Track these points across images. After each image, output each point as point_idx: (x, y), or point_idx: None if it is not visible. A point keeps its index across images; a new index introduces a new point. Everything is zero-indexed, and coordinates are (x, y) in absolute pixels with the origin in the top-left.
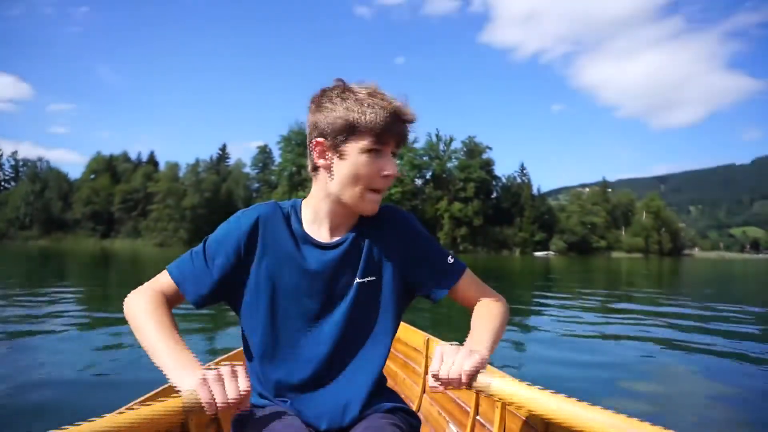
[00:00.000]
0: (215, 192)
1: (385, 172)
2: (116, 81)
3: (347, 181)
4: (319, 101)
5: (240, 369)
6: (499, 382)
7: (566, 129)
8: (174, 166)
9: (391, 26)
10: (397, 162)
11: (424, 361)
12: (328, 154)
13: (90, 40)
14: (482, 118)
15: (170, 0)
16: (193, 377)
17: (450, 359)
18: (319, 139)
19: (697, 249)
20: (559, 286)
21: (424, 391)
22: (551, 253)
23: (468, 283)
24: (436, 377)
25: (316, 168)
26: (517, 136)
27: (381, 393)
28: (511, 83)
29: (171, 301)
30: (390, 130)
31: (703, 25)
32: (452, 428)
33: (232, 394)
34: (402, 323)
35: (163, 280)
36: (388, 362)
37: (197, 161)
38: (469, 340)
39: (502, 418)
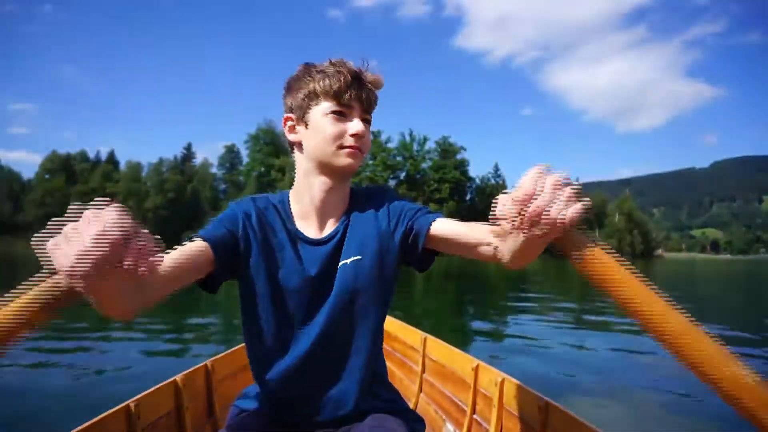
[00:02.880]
0: (180, 193)
1: (352, 131)
2: (81, 81)
3: (317, 145)
4: (288, 86)
5: (112, 208)
6: (602, 255)
7: (536, 132)
8: (135, 166)
9: (364, 30)
10: (369, 162)
11: (421, 359)
12: (298, 128)
13: (54, 39)
14: (456, 121)
15: (137, 0)
16: None
17: (552, 189)
18: (287, 114)
19: (660, 250)
20: (536, 293)
21: (421, 390)
22: None
23: (450, 221)
24: (521, 209)
25: (291, 147)
26: (489, 138)
27: (380, 384)
28: (484, 86)
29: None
30: (350, 91)
31: (665, 34)
32: (449, 427)
33: (90, 240)
34: (398, 322)
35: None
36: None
37: (160, 160)
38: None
39: (499, 417)
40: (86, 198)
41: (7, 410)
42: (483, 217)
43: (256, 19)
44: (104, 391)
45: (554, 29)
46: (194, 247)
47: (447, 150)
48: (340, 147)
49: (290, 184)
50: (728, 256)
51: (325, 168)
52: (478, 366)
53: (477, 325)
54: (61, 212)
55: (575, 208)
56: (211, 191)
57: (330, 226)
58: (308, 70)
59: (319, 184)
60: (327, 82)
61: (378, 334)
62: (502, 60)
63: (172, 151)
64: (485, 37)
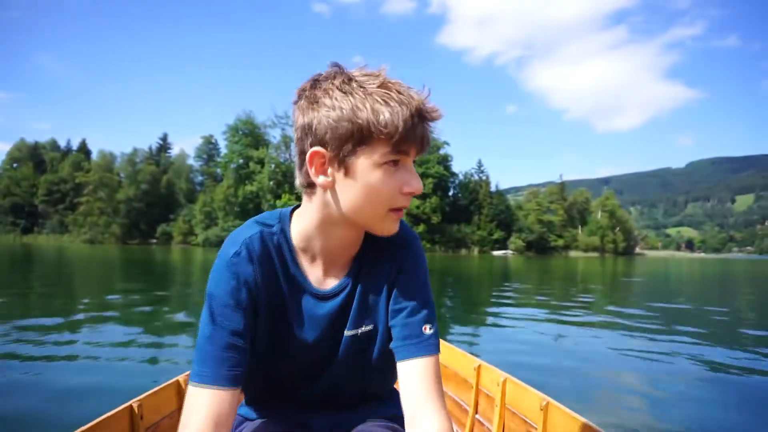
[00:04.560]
0: (154, 184)
1: (408, 189)
2: (58, 70)
3: (359, 203)
4: (312, 95)
5: None
6: None
7: (520, 130)
8: (108, 156)
9: (348, 25)
10: None
11: None
12: (330, 170)
13: (30, 25)
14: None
15: None
16: None
17: None
18: (317, 149)
19: (637, 248)
20: (518, 293)
21: None
22: (509, 252)
23: (428, 371)
24: None
25: (311, 184)
26: (474, 134)
27: (387, 397)
28: (467, 84)
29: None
30: (412, 135)
31: (645, 36)
32: None
33: None
34: None
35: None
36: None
37: (134, 151)
38: None
39: (501, 417)
40: (55, 188)
41: (6, 411)
42: (466, 213)
43: (239, 10)
44: (106, 391)
45: (537, 29)
46: (223, 399)
47: (430, 144)
48: (390, 209)
49: (268, 177)
50: (702, 255)
51: (356, 225)
52: (480, 366)
53: (460, 321)
54: (29, 202)
55: None
56: (188, 183)
57: (336, 276)
58: (349, 86)
59: (339, 236)
60: (387, 118)
61: (391, 384)
62: (485, 58)
63: (150, 143)
64: (468, 35)
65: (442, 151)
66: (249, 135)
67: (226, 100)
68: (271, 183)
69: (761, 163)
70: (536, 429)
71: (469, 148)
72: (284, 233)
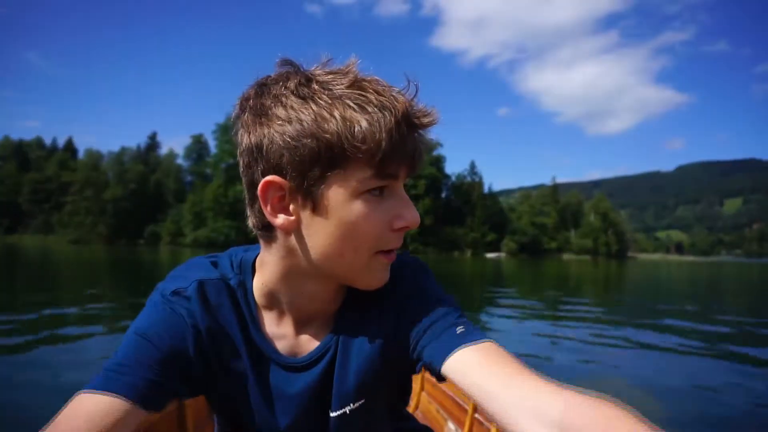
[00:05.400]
0: (142, 184)
1: (400, 224)
2: (46, 68)
3: (334, 249)
4: (259, 105)
5: None
6: None
7: (511, 132)
8: (95, 154)
9: (341, 26)
10: None
11: None
12: (292, 206)
13: (18, 22)
14: None
15: None
16: None
17: None
18: (272, 177)
19: (629, 251)
20: (512, 297)
21: (422, 389)
22: (502, 254)
23: (492, 354)
24: None
25: (268, 225)
26: (466, 136)
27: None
28: (460, 86)
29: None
30: (401, 151)
31: (636, 40)
32: (451, 426)
33: None
34: None
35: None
36: None
37: (122, 149)
38: None
39: None
40: (40, 186)
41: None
42: (459, 215)
43: (230, 7)
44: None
45: (529, 32)
46: (113, 408)
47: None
48: (378, 252)
49: None
50: (692, 258)
51: (331, 277)
52: None
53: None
54: (13, 200)
55: None
56: (177, 183)
57: (313, 339)
58: (311, 89)
59: (310, 291)
60: (365, 129)
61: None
62: (477, 60)
63: (139, 142)
64: (461, 37)
65: (434, 153)
66: None
67: (217, 99)
68: None
69: (750, 167)
70: None
71: (461, 150)
72: (244, 287)
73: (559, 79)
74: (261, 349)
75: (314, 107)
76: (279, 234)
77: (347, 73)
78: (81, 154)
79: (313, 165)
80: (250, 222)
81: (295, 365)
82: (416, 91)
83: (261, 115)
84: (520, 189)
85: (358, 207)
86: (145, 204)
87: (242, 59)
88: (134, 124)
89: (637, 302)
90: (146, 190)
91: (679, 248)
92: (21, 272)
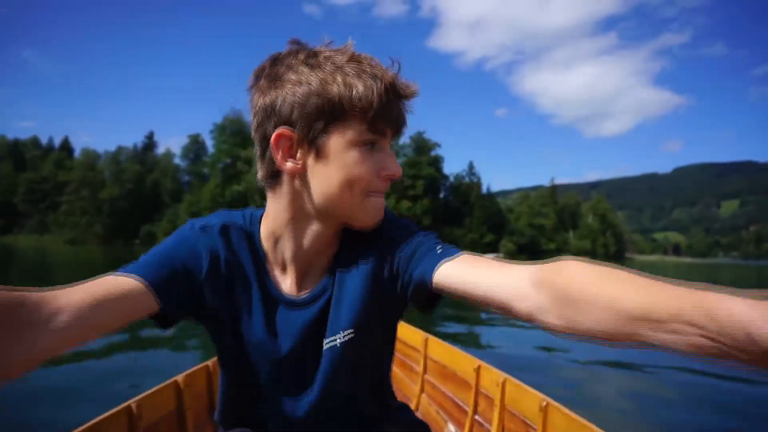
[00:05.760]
0: (139, 183)
1: (386, 172)
2: (44, 67)
3: (334, 188)
4: (273, 73)
5: None
6: None
7: (509, 133)
8: (91, 154)
9: (340, 26)
10: None
11: (422, 360)
12: (299, 152)
13: (16, 21)
14: (431, 119)
15: None
16: None
17: None
18: (283, 129)
19: (627, 252)
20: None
21: (422, 390)
22: (501, 255)
23: (460, 266)
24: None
25: (276, 174)
26: (464, 137)
27: (386, 397)
28: (458, 87)
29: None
30: (388, 112)
31: (634, 42)
32: (451, 428)
33: None
34: (400, 322)
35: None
36: None
37: (119, 149)
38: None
39: (501, 417)
40: (35, 186)
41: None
42: (457, 216)
43: (228, 7)
44: (105, 391)
45: (527, 34)
46: (127, 285)
47: (422, 146)
48: (368, 194)
49: (255, 177)
50: (690, 259)
51: (331, 217)
52: (479, 366)
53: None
54: (8, 200)
55: None
56: (174, 183)
57: (313, 281)
58: (317, 60)
59: (313, 233)
60: (361, 92)
61: (386, 385)
62: (475, 62)
63: (136, 141)
64: (459, 39)
65: (433, 153)
66: (237, 134)
67: (214, 99)
68: None
69: (746, 169)
70: (536, 430)
71: (460, 151)
72: (252, 238)
73: (557, 81)
74: (268, 288)
75: (320, 74)
76: (285, 180)
77: (346, 50)
78: (77, 154)
79: (318, 118)
80: (259, 174)
81: (297, 302)
82: (399, 68)
83: (275, 79)
84: (518, 190)
85: (353, 154)
86: (142, 204)
87: (240, 59)
88: (131, 124)
89: None
90: (143, 190)
91: (677, 250)
92: (16, 273)
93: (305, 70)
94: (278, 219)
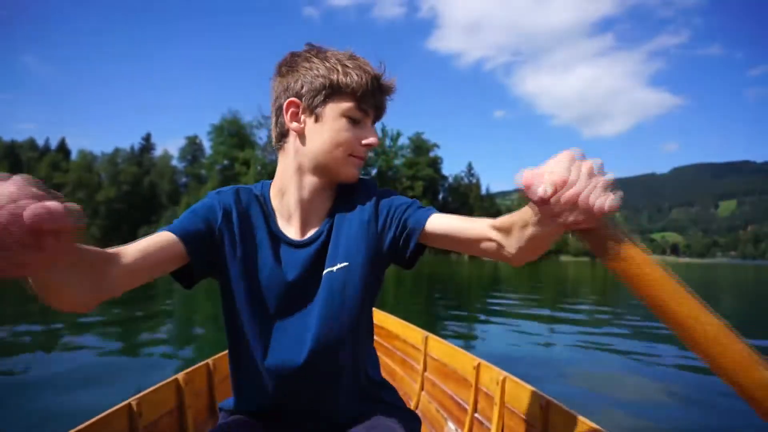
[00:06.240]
0: (136, 185)
1: (367, 141)
2: (43, 70)
3: (325, 146)
4: (291, 62)
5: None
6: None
7: (507, 134)
8: (88, 156)
9: (338, 29)
10: None
11: (422, 358)
12: (303, 117)
13: (15, 25)
14: (429, 120)
15: None
16: None
17: (588, 176)
18: (293, 98)
19: None
20: (510, 300)
21: (422, 389)
22: None
23: (445, 217)
24: (556, 186)
25: (284, 134)
26: (463, 137)
27: (374, 384)
28: (457, 88)
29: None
30: (371, 98)
31: (631, 43)
32: (451, 426)
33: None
34: (400, 321)
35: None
36: (386, 359)
37: (116, 150)
38: None
39: (501, 415)
40: None
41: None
42: (455, 214)
43: (227, 10)
44: (105, 391)
45: (525, 35)
46: (163, 238)
47: (420, 146)
48: (350, 155)
49: (254, 179)
50: (688, 259)
51: (323, 171)
52: (479, 365)
53: (451, 325)
54: None
55: (612, 197)
56: (171, 184)
57: (313, 227)
58: (325, 55)
59: (310, 184)
60: (352, 78)
61: (368, 334)
62: (474, 63)
63: (134, 143)
64: (458, 40)
65: (432, 154)
66: (235, 135)
67: (213, 101)
68: None
69: (743, 170)
70: (536, 428)
71: (458, 152)
72: (263, 197)
73: (555, 82)
74: (275, 233)
75: (327, 64)
76: (291, 139)
77: (347, 51)
78: (74, 156)
79: (320, 92)
80: (273, 136)
81: (299, 243)
82: (384, 68)
83: (293, 66)
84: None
85: (342, 122)
86: (139, 206)
87: (238, 61)
88: (129, 127)
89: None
90: (140, 192)
91: (675, 250)
92: (10, 280)
93: (317, 60)
94: (285, 174)
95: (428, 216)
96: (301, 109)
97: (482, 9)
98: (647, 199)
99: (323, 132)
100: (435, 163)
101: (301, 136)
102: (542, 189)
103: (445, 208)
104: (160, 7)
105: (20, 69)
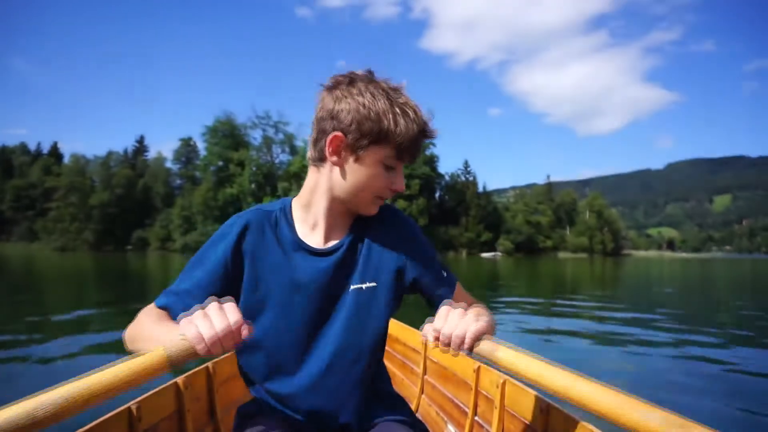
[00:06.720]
0: (129, 188)
1: (395, 187)
2: (33, 74)
3: (357, 187)
4: (348, 89)
5: (229, 301)
6: (505, 351)
7: (502, 132)
8: (80, 159)
9: (332, 29)
10: None
11: (422, 361)
12: (344, 153)
13: (3, 28)
14: None
15: None
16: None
17: (456, 318)
18: (338, 133)
19: (623, 249)
20: (508, 294)
21: (422, 392)
22: (498, 254)
23: (461, 294)
24: (437, 335)
25: (322, 159)
26: (459, 136)
27: (384, 393)
28: (451, 87)
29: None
30: (413, 148)
31: (625, 40)
32: (451, 429)
33: (220, 324)
34: (399, 323)
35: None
36: (385, 362)
37: (109, 153)
38: (472, 309)
39: (501, 419)
40: (23, 193)
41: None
42: (453, 215)
43: (220, 12)
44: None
45: (519, 33)
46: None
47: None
48: (376, 198)
49: (249, 179)
50: (685, 254)
51: (346, 203)
52: (479, 368)
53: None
54: None
55: (472, 332)
56: (165, 187)
57: (334, 238)
58: (378, 91)
59: (334, 206)
60: (400, 129)
61: (382, 346)
62: (467, 62)
63: (127, 146)
64: (451, 39)
65: (428, 152)
66: (229, 136)
67: (206, 103)
68: (252, 185)
69: (738, 164)
70: (536, 431)
71: (454, 150)
72: (284, 211)
73: (550, 80)
74: (298, 242)
75: (381, 105)
76: (327, 165)
77: (400, 91)
78: (66, 160)
79: (366, 136)
80: (309, 153)
81: (322, 252)
82: (432, 116)
83: (348, 95)
84: (513, 188)
85: (378, 169)
86: (133, 209)
87: (232, 62)
88: (122, 130)
89: (643, 301)
90: (134, 195)
91: (671, 245)
92: (4, 282)
93: (370, 98)
94: (315, 191)
95: (450, 295)
96: (343, 146)
97: (475, 8)
98: (643, 195)
99: (359, 174)
100: (431, 162)
101: (339, 168)
102: (428, 339)
103: (441, 206)
104: (152, 9)
105: (10, 72)
